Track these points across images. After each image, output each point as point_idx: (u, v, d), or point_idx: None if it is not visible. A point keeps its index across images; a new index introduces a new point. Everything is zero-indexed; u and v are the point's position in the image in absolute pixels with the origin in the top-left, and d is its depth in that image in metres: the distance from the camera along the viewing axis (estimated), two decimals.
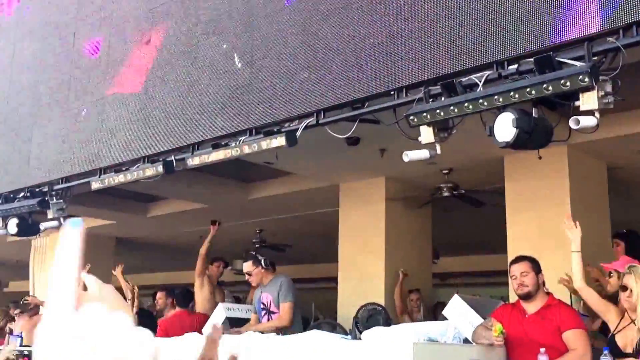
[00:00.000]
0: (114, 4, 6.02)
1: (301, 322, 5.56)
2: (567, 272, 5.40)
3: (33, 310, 7.73)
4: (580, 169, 6.17)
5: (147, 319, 6.90)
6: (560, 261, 5.56)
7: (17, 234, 6.28)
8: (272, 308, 5.39)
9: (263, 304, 5.44)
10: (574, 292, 4.83)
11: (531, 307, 4.13)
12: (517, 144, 3.21)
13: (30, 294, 10.06)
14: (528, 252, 5.91)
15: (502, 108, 3.19)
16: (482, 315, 4.33)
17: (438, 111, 3.41)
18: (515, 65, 3.28)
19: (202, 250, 6.80)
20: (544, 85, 3.03)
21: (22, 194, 6.17)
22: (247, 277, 5.55)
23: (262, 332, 4.94)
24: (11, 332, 7.54)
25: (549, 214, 6.08)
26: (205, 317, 5.95)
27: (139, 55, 5.47)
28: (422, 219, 7.88)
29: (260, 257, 5.58)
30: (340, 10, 4.23)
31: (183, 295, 6.49)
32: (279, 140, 4.37)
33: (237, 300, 7.38)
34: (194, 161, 4.89)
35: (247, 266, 5.51)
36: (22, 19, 7.06)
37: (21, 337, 6.84)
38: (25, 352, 6.36)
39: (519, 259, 4.30)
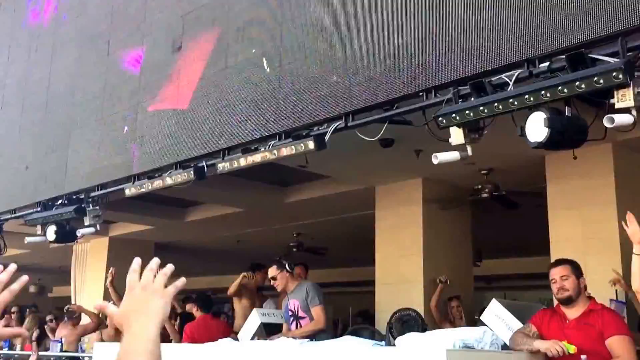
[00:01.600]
0: (146, 13, 6.08)
1: (331, 326, 5.53)
2: (611, 276, 5.22)
3: (77, 318, 7.90)
4: (627, 167, 5.93)
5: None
6: (605, 264, 5.36)
7: (55, 241, 6.41)
8: (300, 314, 5.37)
9: (290, 310, 5.41)
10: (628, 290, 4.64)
11: (572, 313, 3.96)
12: (549, 144, 3.08)
13: (72, 299, 10.30)
14: (571, 254, 5.70)
15: (534, 107, 3.06)
16: (521, 320, 4.18)
17: (467, 112, 3.30)
18: (547, 63, 3.15)
19: (230, 290, 6.78)
20: (577, 83, 2.89)
21: (59, 202, 6.30)
22: (272, 282, 5.52)
23: (297, 338, 4.90)
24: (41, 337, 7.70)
25: (594, 215, 5.88)
26: (226, 325, 6.00)
27: (182, 68, 5.48)
28: (462, 220, 7.73)
29: (284, 262, 5.54)
30: (369, 13, 4.17)
31: (203, 300, 6.52)
32: (308, 144, 4.32)
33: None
34: (225, 166, 4.89)
35: (272, 271, 5.48)
36: (58, 30, 7.21)
37: (61, 342, 6.98)
38: (64, 358, 6.51)
39: (558, 262, 4.14)
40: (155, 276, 1.34)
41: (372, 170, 7.07)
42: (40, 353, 7.12)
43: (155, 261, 1.39)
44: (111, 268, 8.05)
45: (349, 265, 13.26)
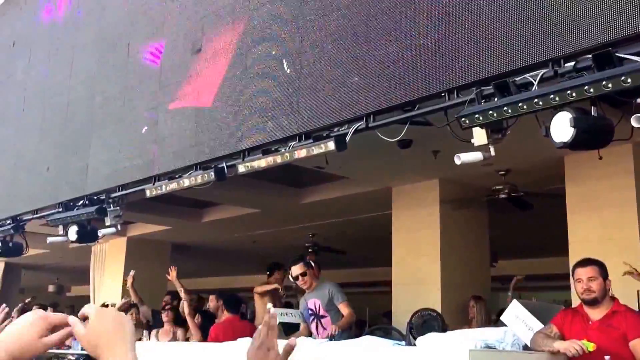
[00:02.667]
0: (166, 14, 6.13)
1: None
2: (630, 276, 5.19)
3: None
4: None
5: (209, 321, 6.94)
6: (625, 266, 5.33)
7: (76, 241, 6.47)
8: (322, 312, 5.39)
9: (311, 309, 5.44)
10: None
11: (595, 314, 3.94)
12: (575, 144, 3.07)
13: (91, 298, 10.39)
14: (590, 255, 5.69)
15: (559, 107, 3.06)
16: (542, 320, 4.17)
17: (491, 112, 3.30)
18: (572, 63, 3.13)
19: (258, 289, 6.80)
20: (603, 83, 2.88)
21: (81, 202, 6.36)
22: (300, 279, 5.53)
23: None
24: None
25: (613, 216, 5.85)
26: (253, 327, 5.98)
27: (203, 70, 5.52)
28: (478, 221, 7.71)
29: (308, 260, 5.59)
30: (389, 13, 4.17)
31: (232, 301, 6.49)
32: (329, 145, 4.34)
33: (289, 305, 7.37)
34: (245, 167, 4.92)
35: (299, 268, 5.50)
36: (78, 32, 7.28)
37: None
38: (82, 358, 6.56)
39: (586, 262, 4.07)
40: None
41: (388, 171, 7.08)
42: (61, 351, 7.20)
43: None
44: (131, 271, 8.12)
45: (365, 266, 13.27)
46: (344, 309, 5.41)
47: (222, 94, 5.30)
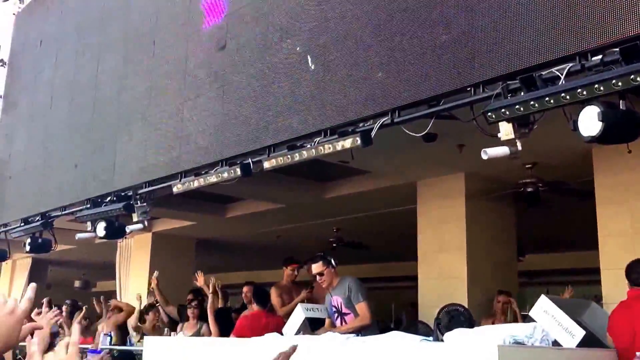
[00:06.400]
0: (190, 12, 6.17)
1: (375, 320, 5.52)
2: None
3: (113, 310, 8.11)
4: None
5: (225, 318, 7.00)
6: None
7: (105, 237, 6.57)
8: (344, 310, 5.38)
9: (334, 307, 5.43)
10: None
11: None
12: (603, 138, 3.04)
13: (117, 293, 10.55)
14: (621, 248, 5.62)
15: (586, 101, 3.03)
16: (571, 316, 4.12)
17: (517, 107, 3.27)
18: (600, 56, 3.10)
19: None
20: (631, 76, 2.84)
21: (108, 199, 6.45)
22: (318, 278, 5.52)
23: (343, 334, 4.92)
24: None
25: None
26: (282, 321, 5.98)
27: (227, 67, 5.51)
28: (505, 214, 7.65)
29: (329, 257, 5.54)
30: (414, 8, 4.15)
31: (260, 295, 6.49)
32: (354, 141, 4.34)
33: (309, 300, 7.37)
34: (271, 163, 4.94)
35: (318, 267, 5.45)
36: (105, 30, 7.37)
37: (110, 336, 7.16)
38: (115, 353, 6.69)
39: None
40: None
41: (413, 165, 7.05)
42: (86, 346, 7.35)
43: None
44: (155, 272, 8.20)
45: (389, 261, 13.25)
46: (360, 310, 5.25)
47: (248, 90, 5.33)
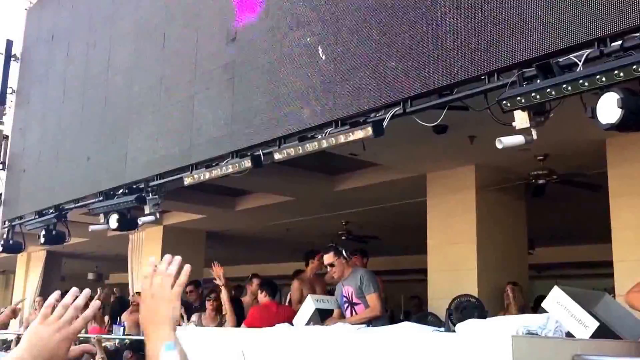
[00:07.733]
0: (200, 4, 6.16)
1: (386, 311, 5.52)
2: None
3: (134, 306, 8.14)
4: None
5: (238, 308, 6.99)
6: None
7: (117, 229, 6.60)
8: (355, 300, 5.38)
9: (345, 297, 5.44)
10: None
11: None
12: (622, 126, 3.00)
13: (130, 285, 10.60)
14: (634, 240, 5.58)
15: (605, 88, 2.99)
16: (585, 308, 4.09)
17: (534, 94, 3.23)
18: (619, 42, 3.06)
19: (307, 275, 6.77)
20: None
21: (120, 191, 6.46)
22: (329, 269, 5.53)
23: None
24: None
25: None
26: (293, 311, 5.98)
27: (238, 58, 5.47)
28: (516, 207, 7.61)
29: (340, 248, 5.54)
30: None
31: (271, 287, 6.49)
32: (366, 131, 4.31)
33: (328, 292, 7.37)
34: (282, 155, 4.92)
35: (329, 258, 5.48)
36: (115, 24, 7.37)
37: (123, 326, 7.22)
38: (127, 341, 6.73)
39: None
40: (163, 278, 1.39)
41: (423, 157, 7.02)
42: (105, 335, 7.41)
43: (151, 261, 1.43)
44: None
45: (399, 254, 13.22)
46: (371, 301, 5.29)
47: (258, 81, 5.31)
